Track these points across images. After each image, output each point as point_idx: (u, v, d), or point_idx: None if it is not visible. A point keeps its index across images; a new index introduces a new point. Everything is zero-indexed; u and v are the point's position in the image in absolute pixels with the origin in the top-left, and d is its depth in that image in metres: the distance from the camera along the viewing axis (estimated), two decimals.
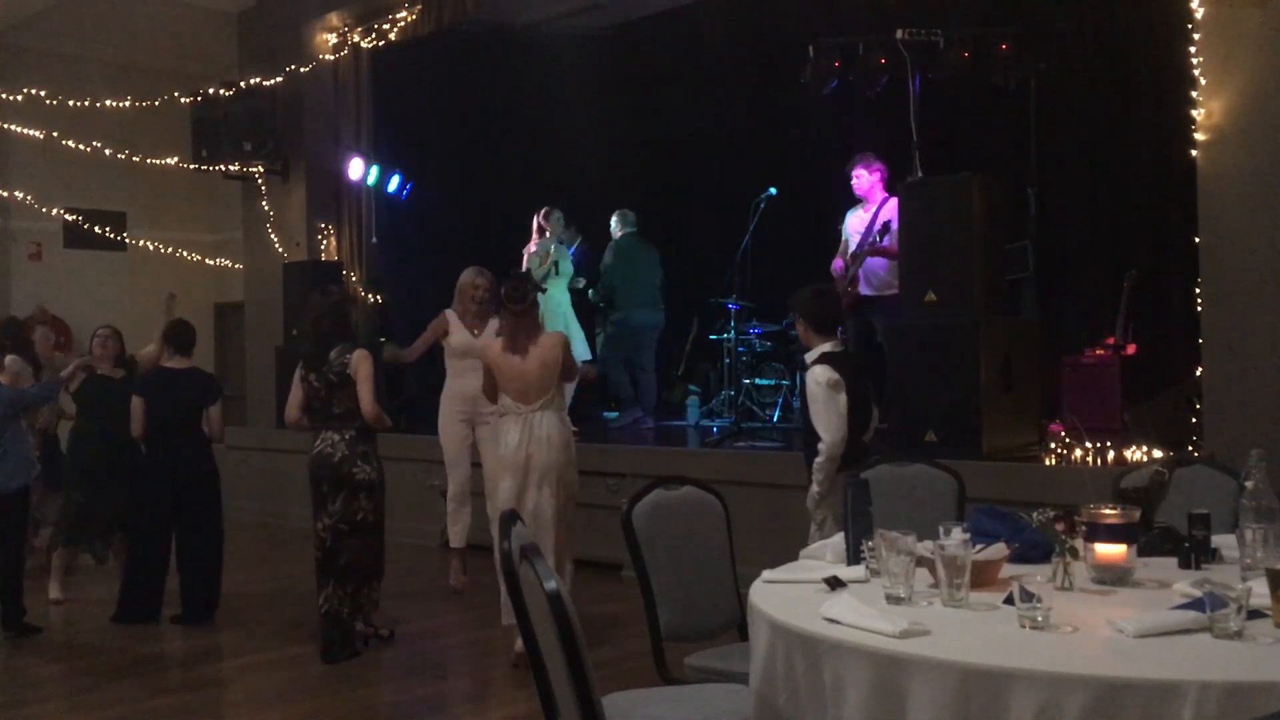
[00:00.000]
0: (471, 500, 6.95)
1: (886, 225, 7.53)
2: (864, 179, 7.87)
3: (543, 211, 9.28)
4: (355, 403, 5.73)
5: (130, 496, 6.85)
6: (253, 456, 11.15)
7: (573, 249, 9.80)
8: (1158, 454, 5.94)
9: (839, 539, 3.24)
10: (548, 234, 9.23)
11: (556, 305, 9.12)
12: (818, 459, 4.82)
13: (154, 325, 7.14)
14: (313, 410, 5.88)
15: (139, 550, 6.69)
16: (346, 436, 5.73)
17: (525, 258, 9.34)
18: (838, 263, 8.11)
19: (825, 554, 3.26)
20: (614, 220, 9.93)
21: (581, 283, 9.86)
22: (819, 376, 4.81)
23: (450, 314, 6.88)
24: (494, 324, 6.85)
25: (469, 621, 6.44)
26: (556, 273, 9.12)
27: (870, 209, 7.86)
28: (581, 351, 9.24)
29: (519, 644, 5.28)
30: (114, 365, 7.15)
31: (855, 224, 7.99)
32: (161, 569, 6.68)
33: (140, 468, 6.77)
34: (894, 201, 7.58)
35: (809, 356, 4.98)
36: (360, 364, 5.73)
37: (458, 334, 6.85)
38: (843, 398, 4.78)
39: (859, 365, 5.12)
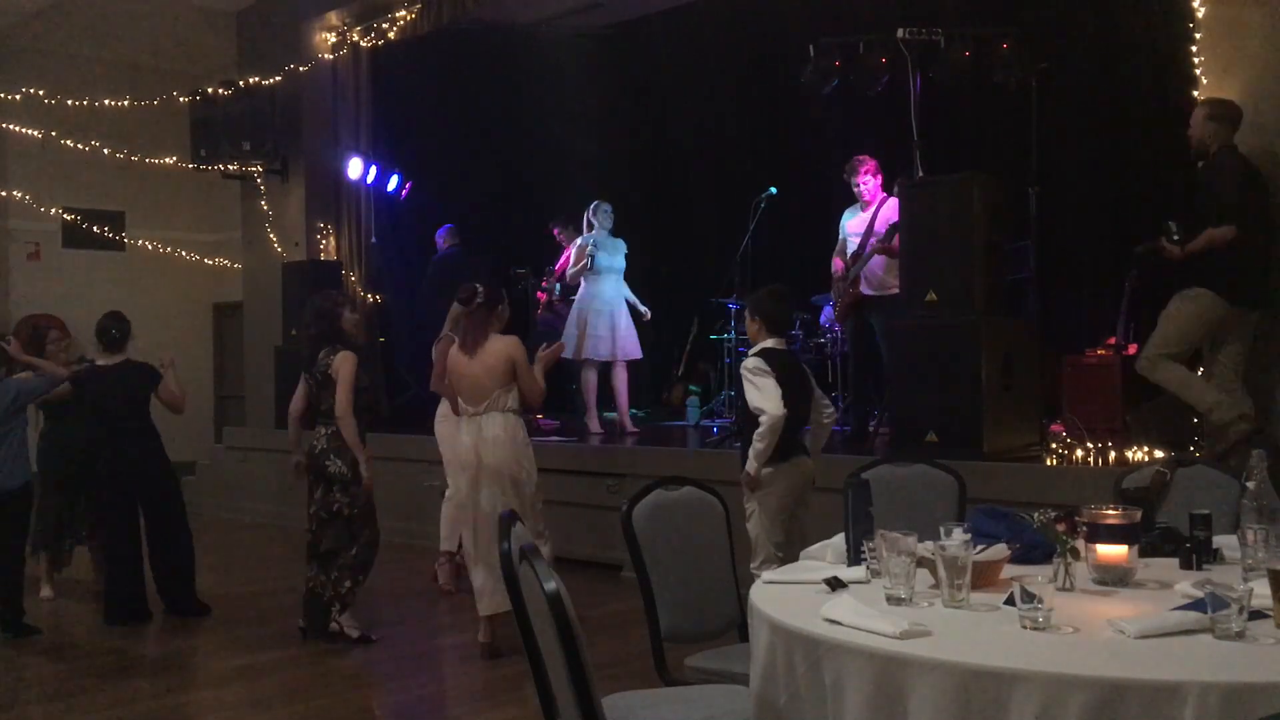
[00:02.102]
0: None
1: (894, 225, 7.51)
2: (869, 182, 7.87)
3: (591, 206, 9.18)
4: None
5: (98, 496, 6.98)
6: (252, 456, 11.15)
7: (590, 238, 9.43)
8: (1159, 454, 5.93)
9: (839, 539, 3.23)
10: (596, 228, 9.09)
11: (601, 300, 9.00)
12: (759, 429, 5.01)
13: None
14: (311, 408, 6.11)
15: (114, 550, 6.69)
16: (329, 431, 5.97)
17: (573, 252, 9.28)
18: (837, 262, 8.11)
19: (826, 554, 3.25)
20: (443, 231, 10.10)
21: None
22: (748, 364, 5.09)
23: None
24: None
25: (466, 621, 6.41)
26: (591, 267, 8.98)
27: (870, 209, 7.85)
28: (632, 349, 9.14)
29: (482, 633, 5.70)
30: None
31: (854, 224, 7.98)
32: (138, 566, 6.68)
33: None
34: (894, 201, 7.57)
35: (751, 351, 5.23)
36: (341, 365, 5.92)
37: None
38: (771, 380, 4.99)
39: (795, 365, 5.32)
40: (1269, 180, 5.79)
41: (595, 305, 9.03)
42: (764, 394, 5.01)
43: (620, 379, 9.23)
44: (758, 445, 5.02)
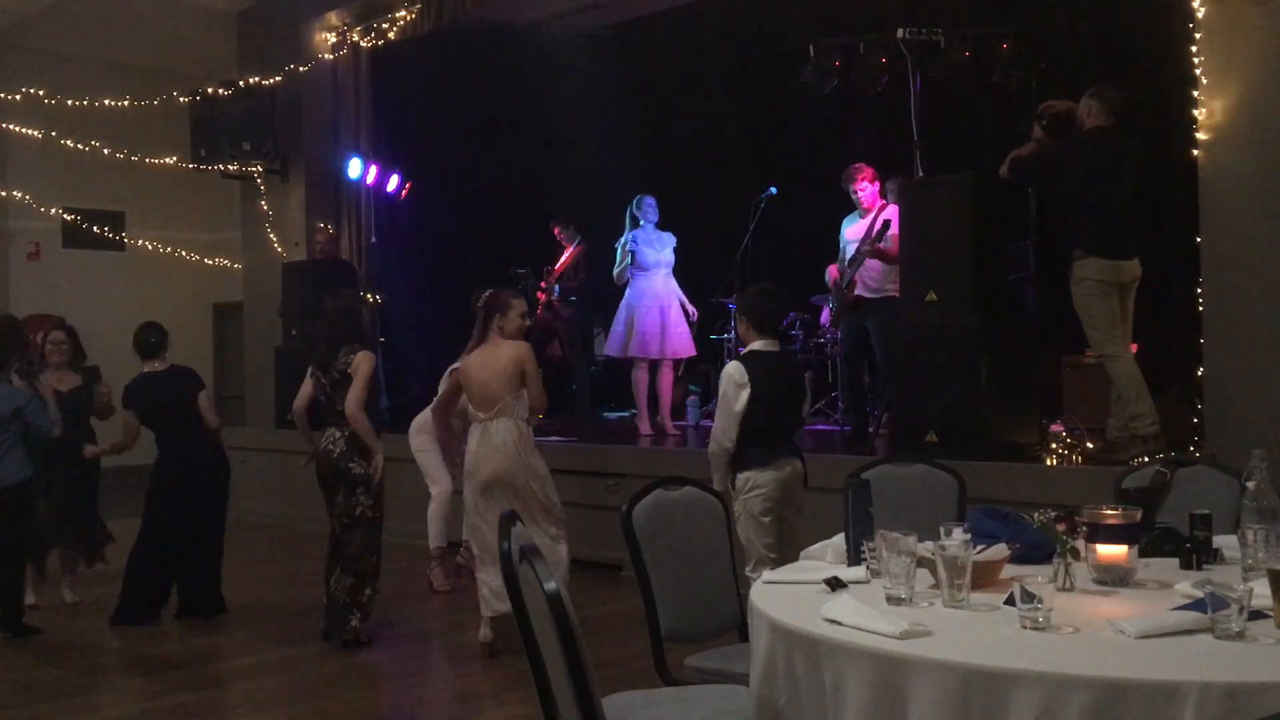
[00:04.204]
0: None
1: (886, 223, 7.53)
2: (869, 191, 7.87)
3: (634, 202, 8.94)
4: None
5: (89, 499, 7.05)
6: (252, 457, 11.14)
7: (634, 237, 9.02)
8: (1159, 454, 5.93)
9: (839, 539, 3.23)
10: (641, 223, 8.87)
11: (649, 296, 8.81)
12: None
13: None
14: (319, 407, 6.04)
15: (144, 550, 6.64)
16: (347, 434, 5.90)
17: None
18: (831, 270, 8.12)
19: (826, 554, 3.25)
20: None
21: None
22: (728, 371, 5.10)
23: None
24: None
25: (466, 621, 6.43)
26: (634, 263, 8.75)
27: (870, 216, 7.85)
28: (682, 347, 8.96)
29: (483, 633, 5.71)
30: (68, 369, 7.01)
31: (853, 231, 7.99)
32: (166, 569, 6.66)
33: (90, 473, 7.00)
34: (893, 208, 7.58)
35: (743, 353, 5.24)
36: (360, 364, 5.88)
37: None
38: (744, 395, 4.97)
39: (783, 367, 5.28)
40: (1270, 186, 5.80)
41: (644, 301, 8.80)
42: (721, 416, 5.07)
43: (665, 379, 9.03)
44: (713, 473, 5.10)
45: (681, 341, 8.95)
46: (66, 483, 6.95)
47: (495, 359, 5.60)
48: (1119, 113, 6.22)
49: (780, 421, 5.15)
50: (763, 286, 5.38)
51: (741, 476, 5.05)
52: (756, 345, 5.16)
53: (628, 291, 8.91)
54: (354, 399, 5.82)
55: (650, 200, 8.93)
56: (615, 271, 8.96)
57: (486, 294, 5.81)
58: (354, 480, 5.88)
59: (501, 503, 5.49)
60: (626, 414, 10.97)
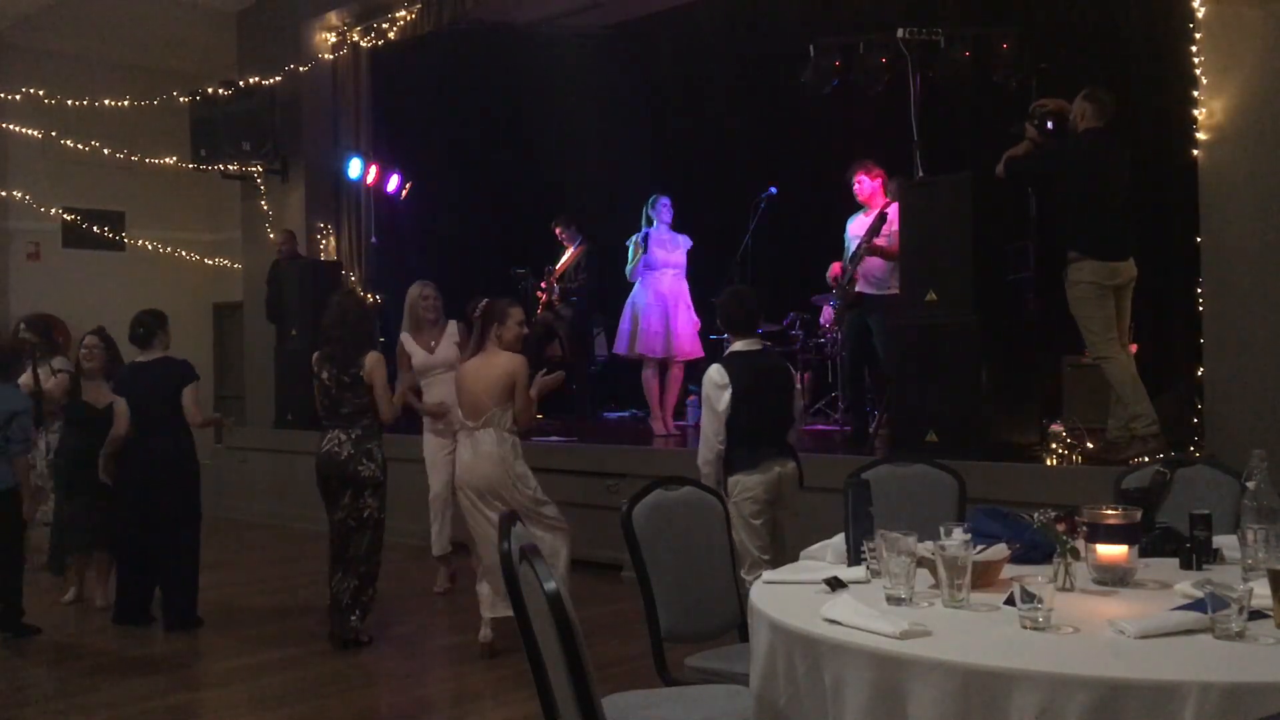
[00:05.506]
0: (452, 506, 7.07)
1: (883, 215, 7.53)
2: (865, 185, 7.88)
3: (649, 201, 8.86)
4: (363, 402, 5.91)
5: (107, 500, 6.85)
6: (252, 457, 11.14)
7: (651, 234, 8.91)
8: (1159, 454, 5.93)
9: (839, 539, 3.23)
10: (655, 223, 8.80)
11: (654, 295, 8.76)
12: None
13: None
14: (323, 408, 6.03)
15: (126, 548, 6.61)
16: (353, 435, 5.92)
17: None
18: (835, 267, 8.12)
19: (826, 554, 3.25)
20: None
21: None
22: (708, 374, 5.13)
23: (405, 337, 6.98)
24: (450, 334, 6.93)
25: (466, 622, 6.42)
26: (645, 262, 8.69)
27: (872, 214, 7.85)
28: (689, 347, 8.88)
29: (484, 633, 5.72)
30: (103, 376, 6.91)
31: (855, 227, 7.99)
32: (150, 566, 6.61)
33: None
34: (895, 206, 7.58)
35: (724, 355, 5.26)
36: (375, 369, 5.92)
37: (415, 354, 6.94)
38: (725, 395, 5.01)
39: (766, 367, 5.25)
40: (1270, 186, 5.80)
41: (648, 300, 8.75)
42: (706, 423, 5.09)
43: (675, 378, 8.97)
44: (702, 472, 5.08)
45: (688, 343, 8.90)
46: (101, 486, 6.73)
47: (488, 370, 5.59)
48: (1112, 115, 6.24)
49: (766, 422, 5.13)
50: (735, 289, 5.44)
51: (731, 480, 5.06)
52: (738, 346, 5.20)
53: (634, 290, 8.87)
54: (386, 408, 5.92)
55: (665, 200, 8.88)
56: (627, 269, 8.91)
57: (483, 303, 5.78)
58: (363, 482, 5.89)
59: (496, 507, 5.49)
60: (626, 414, 10.98)
